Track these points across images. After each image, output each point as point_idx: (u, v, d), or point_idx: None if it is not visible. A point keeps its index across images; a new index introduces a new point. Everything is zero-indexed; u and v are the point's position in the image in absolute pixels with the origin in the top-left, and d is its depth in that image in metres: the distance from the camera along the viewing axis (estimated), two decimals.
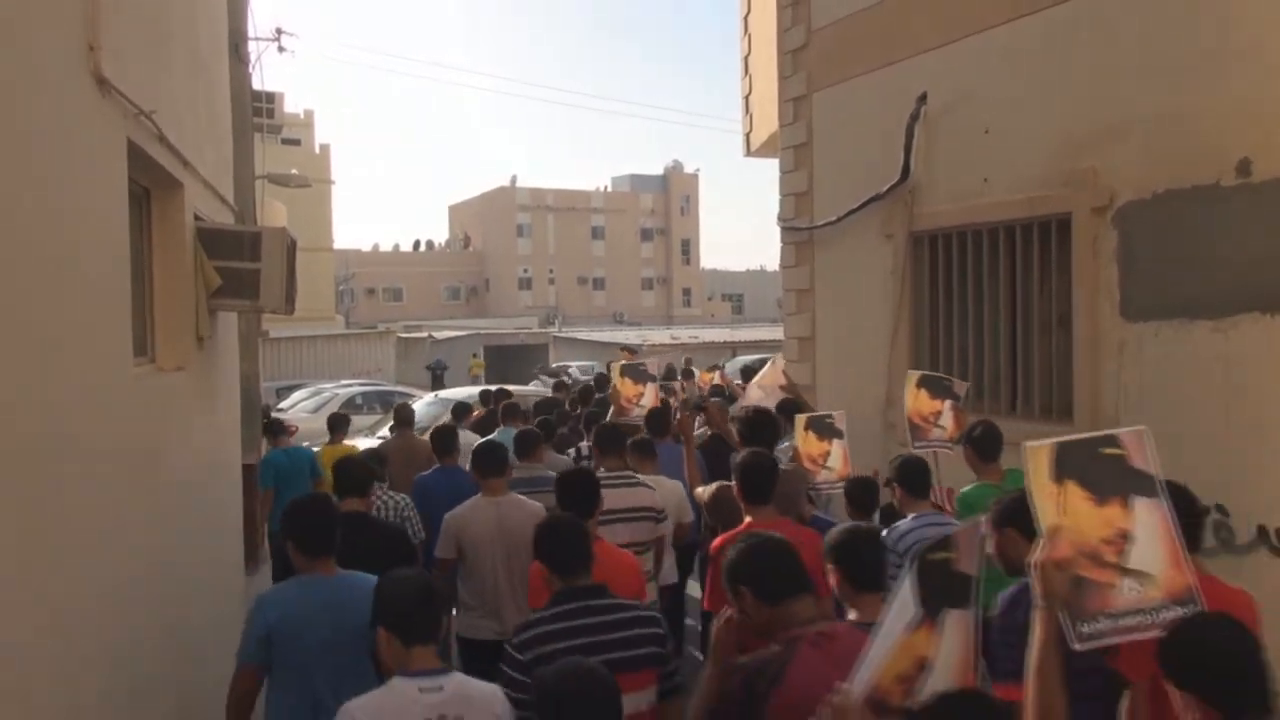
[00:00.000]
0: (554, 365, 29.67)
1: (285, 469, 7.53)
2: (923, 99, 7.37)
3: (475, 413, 9.96)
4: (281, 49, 15.63)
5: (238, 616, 5.74)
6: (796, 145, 8.99)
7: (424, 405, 14.31)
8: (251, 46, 10.73)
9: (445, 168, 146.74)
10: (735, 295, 67.61)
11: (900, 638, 2.11)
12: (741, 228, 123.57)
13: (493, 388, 12.06)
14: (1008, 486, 4.17)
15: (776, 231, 9.35)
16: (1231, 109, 5.29)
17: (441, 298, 60.57)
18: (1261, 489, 5.14)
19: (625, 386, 7.12)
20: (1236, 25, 5.28)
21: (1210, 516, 5.37)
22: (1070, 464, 2.42)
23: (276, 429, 8.48)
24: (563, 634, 2.95)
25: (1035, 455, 2.42)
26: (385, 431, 11.43)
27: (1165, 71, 5.63)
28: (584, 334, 38.55)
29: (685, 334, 37.86)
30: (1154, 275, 5.74)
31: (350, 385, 20.66)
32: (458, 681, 2.67)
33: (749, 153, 12.51)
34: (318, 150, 42.05)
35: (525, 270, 60.45)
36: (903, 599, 2.16)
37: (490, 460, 4.89)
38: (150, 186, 4.59)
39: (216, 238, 5.26)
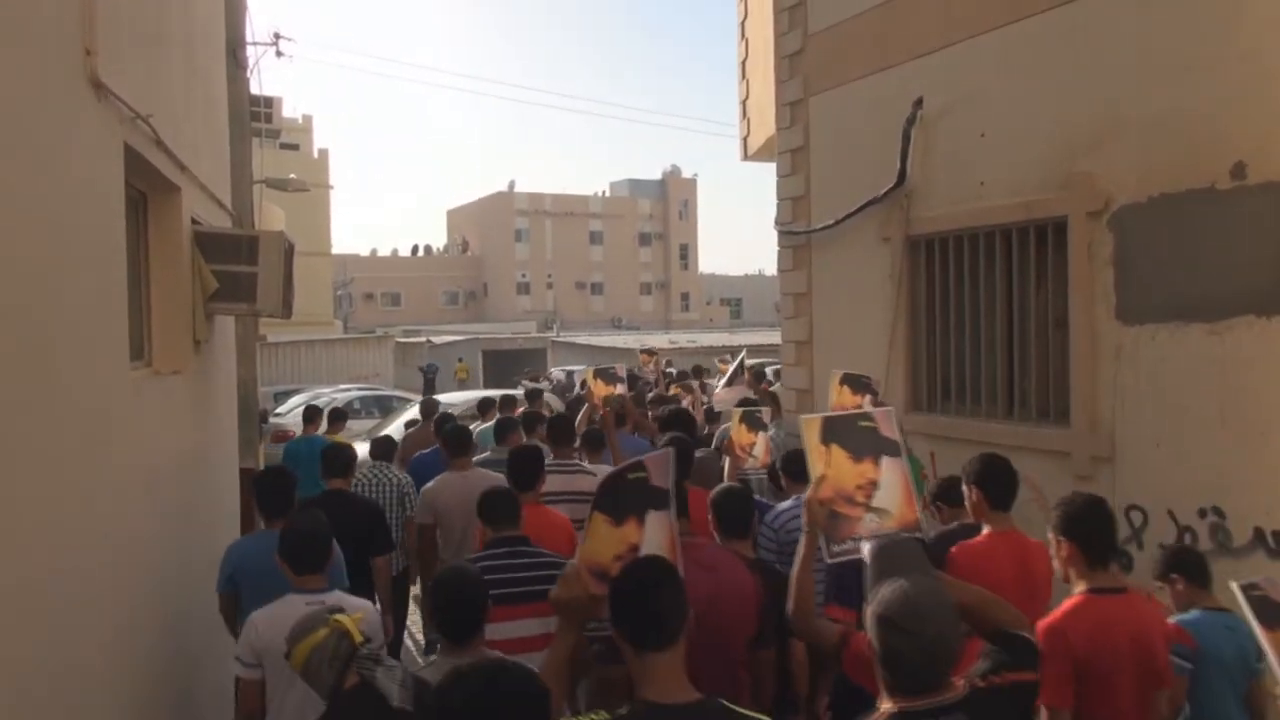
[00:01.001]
0: (530, 369, 29.92)
1: (304, 455, 8.29)
2: (919, 103, 7.39)
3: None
4: (280, 54, 15.63)
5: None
6: (793, 149, 9.00)
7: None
8: (250, 51, 10.71)
9: (443, 173, 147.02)
10: (733, 300, 67.68)
11: (609, 529, 2.87)
12: (739, 232, 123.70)
13: (496, 394, 11.91)
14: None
15: (774, 236, 9.37)
16: (1226, 113, 5.31)
17: (440, 302, 60.60)
18: (1258, 491, 5.15)
19: (598, 388, 8.24)
20: (1232, 29, 5.30)
21: (1207, 519, 5.40)
22: (834, 432, 3.24)
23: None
24: (488, 570, 3.67)
25: (809, 425, 3.24)
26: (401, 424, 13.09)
27: (1160, 75, 5.66)
28: (582, 339, 38.58)
29: (684, 338, 37.86)
30: (1150, 278, 5.76)
31: (348, 390, 20.65)
32: (337, 595, 3.58)
33: (746, 157, 12.54)
34: (316, 155, 42.05)
35: (523, 275, 60.49)
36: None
37: (457, 442, 5.95)
38: (147, 190, 4.59)
39: (214, 241, 5.26)
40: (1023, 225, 6.63)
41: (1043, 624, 3.19)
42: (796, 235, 8.94)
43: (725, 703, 2.31)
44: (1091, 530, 3.28)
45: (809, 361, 8.90)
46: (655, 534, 2.90)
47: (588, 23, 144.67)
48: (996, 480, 3.95)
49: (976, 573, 3.35)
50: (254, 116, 11.79)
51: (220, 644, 5.32)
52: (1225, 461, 5.28)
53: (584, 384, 11.41)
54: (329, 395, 19.44)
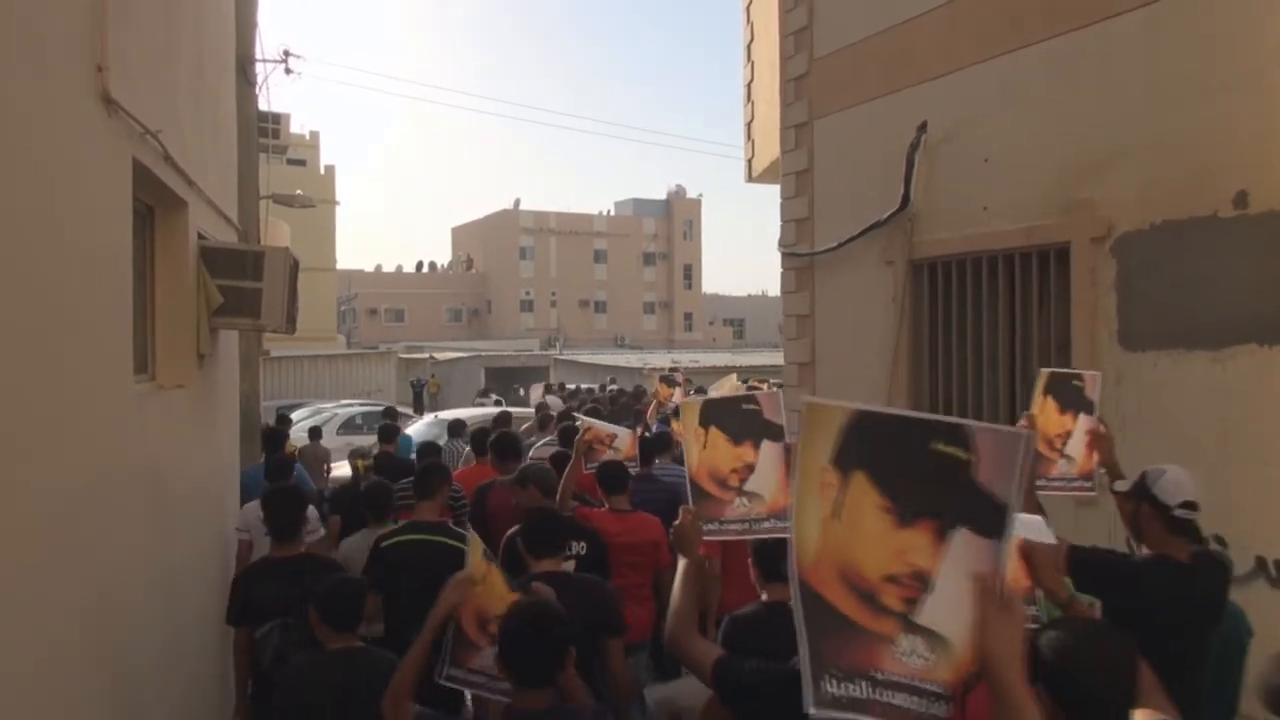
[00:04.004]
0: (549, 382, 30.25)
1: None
2: (923, 128, 7.43)
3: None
4: (288, 71, 15.68)
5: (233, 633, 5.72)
6: (798, 172, 9.04)
7: (424, 425, 14.76)
8: (259, 68, 10.83)
9: (449, 190, 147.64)
10: (736, 320, 67.72)
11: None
12: (743, 253, 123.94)
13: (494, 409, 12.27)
14: None
15: (778, 257, 9.39)
16: (1230, 141, 5.33)
17: (443, 319, 60.68)
18: (1260, 520, 5.13)
19: (663, 390, 9.83)
20: (1234, 58, 5.34)
21: (1209, 547, 5.38)
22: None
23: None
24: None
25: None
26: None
27: (1163, 103, 5.69)
28: (585, 357, 38.56)
29: (686, 358, 37.84)
30: (1152, 305, 5.77)
31: (350, 405, 20.65)
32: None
33: (751, 179, 12.58)
34: (322, 171, 42.27)
35: (527, 293, 60.60)
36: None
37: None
38: (154, 205, 4.62)
39: (219, 256, 5.28)
40: (1025, 250, 6.65)
41: None
42: (800, 257, 8.96)
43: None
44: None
45: (811, 383, 8.90)
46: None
47: (596, 44, 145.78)
48: None
49: None
50: (262, 132, 11.88)
51: (217, 660, 5.30)
52: (1227, 489, 5.26)
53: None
54: (331, 410, 19.48)
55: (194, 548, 5.04)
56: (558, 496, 5.05)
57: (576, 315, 60.59)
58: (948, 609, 1.73)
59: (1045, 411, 3.81)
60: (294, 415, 19.81)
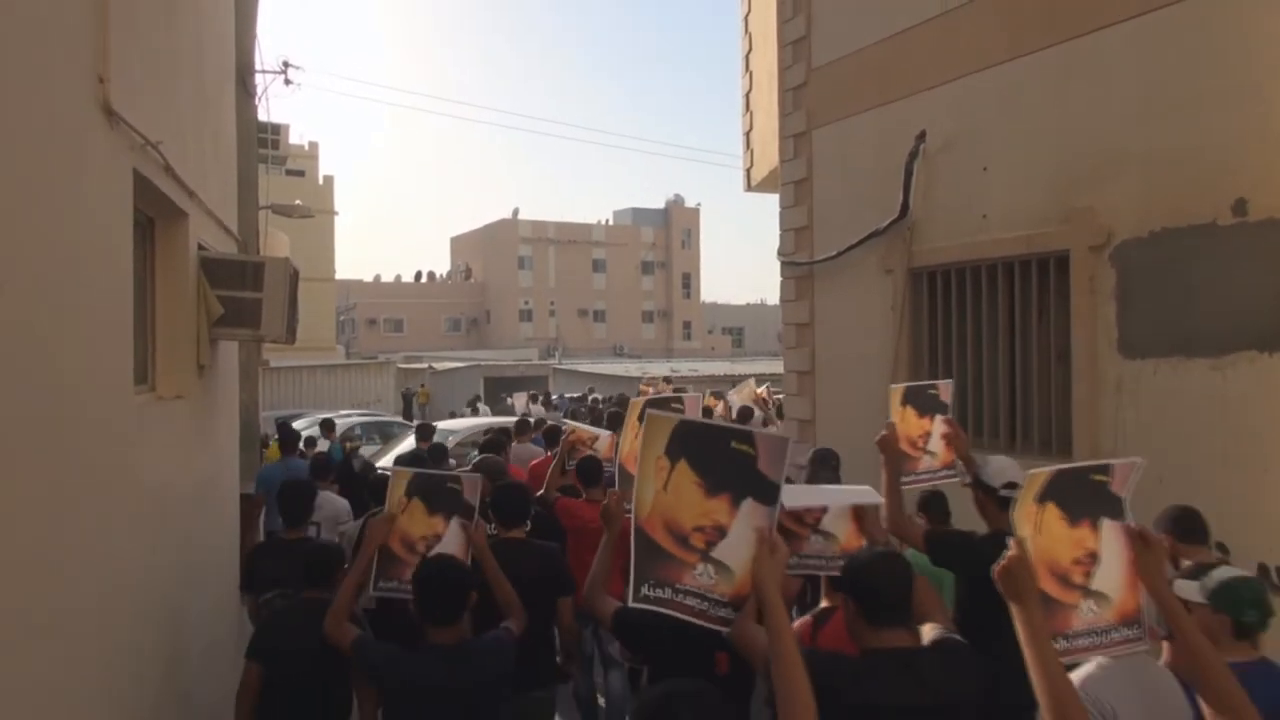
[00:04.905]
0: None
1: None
2: (921, 136, 7.45)
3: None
4: (288, 82, 15.74)
5: (232, 643, 5.70)
6: (796, 181, 9.06)
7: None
8: (258, 79, 10.85)
9: (447, 200, 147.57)
10: (735, 329, 67.70)
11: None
12: (742, 262, 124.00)
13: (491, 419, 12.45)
14: None
15: (777, 266, 9.41)
16: (1228, 149, 5.35)
17: (442, 329, 60.64)
18: (1261, 527, 5.13)
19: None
20: (1232, 66, 5.35)
21: (1211, 555, 5.37)
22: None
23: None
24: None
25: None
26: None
27: (1162, 111, 5.70)
28: (584, 366, 38.57)
29: (685, 367, 37.85)
30: (1152, 313, 5.77)
31: (349, 415, 20.62)
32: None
33: (749, 188, 12.62)
34: (321, 182, 42.29)
35: (526, 302, 60.58)
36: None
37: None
38: (155, 216, 4.62)
39: (219, 267, 5.28)
40: (1024, 258, 6.66)
41: None
42: (799, 266, 8.97)
43: None
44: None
45: (811, 391, 8.90)
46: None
47: (594, 53, 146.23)
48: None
49: None
50: (261, 143, 11.91)
51: (215, 670, 5.28)
52: (1229, 497, 5.26)
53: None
54: (330, 420, 19.44)
55: (194, 558, 5.03)
56: (544, 486, 6.10)
57: (575, 324, 60.57)
58: (734, 550, 2.56)
59: (905, 419, 4.30)
60: (293, 425, 19.84)
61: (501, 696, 3.45)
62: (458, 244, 68.14)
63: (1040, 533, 2.42)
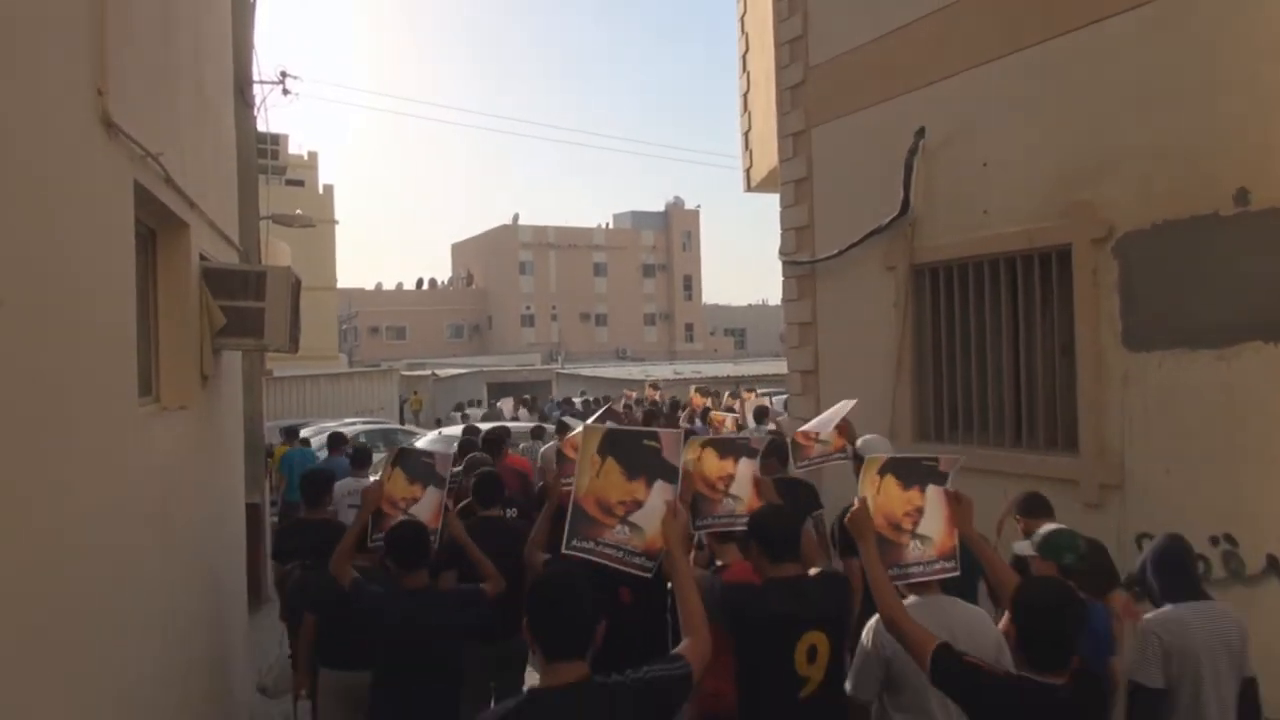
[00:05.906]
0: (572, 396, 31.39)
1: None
2: (921, 133, 7.44)
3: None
4: (286, 92, 15.71)
5: (241, 649, 5.70)
6: (796, 180, 9.06)
7: (427, 442, 14.78)
8: (256, 90, 10.87)
9: (448, 206, 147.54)
10: (737, 330, 67.68)
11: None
12: (743, 263, 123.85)
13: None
14: None
15: (778, 266, 9.40)
16: (1228, 139, 5.34)
17: (445, 336, 60.67)
18: (1270, 518, 5.11)
19: (697, 399, 12.03)
20: (1231, 57, 5.35)
21: (1220, 546, 5.36)
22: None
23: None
24: None
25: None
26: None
27: (1162, 103, 5.69)
28: (587, 370, 38.58)
29: (688, 369, 37.83)
30: (1155, 305, 5.76)
31: (353, 423, 20.61)
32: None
33: (749, 188, 12.61)
34: (321, 191, 42.33)
35: (528, 307, 60.60)
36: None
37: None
38: (156, 227, 4.63)
39: (221, 277, 5.28)
40: (1027, 253, 6.65)
41: None
42: (801, 265, 8.97)
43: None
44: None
45: (815, 390, 8.88)
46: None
47: (591, 56, 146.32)
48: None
49: None
50: (261, 154, 11.92)
51: (225, 680, 5.28)
52: (1236, 488, 5.25)
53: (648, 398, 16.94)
54: (334, 428, 19.45)
55: (198, 567, 5.03)
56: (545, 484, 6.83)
57: (577, 328, 60.58)
58: (647, 517, 3.38)
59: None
60: (300, 433, 19.87)
61: (462, 639, 4.24)
62: (459, 250, 68.19)
63: (880, 494, 3.52)
